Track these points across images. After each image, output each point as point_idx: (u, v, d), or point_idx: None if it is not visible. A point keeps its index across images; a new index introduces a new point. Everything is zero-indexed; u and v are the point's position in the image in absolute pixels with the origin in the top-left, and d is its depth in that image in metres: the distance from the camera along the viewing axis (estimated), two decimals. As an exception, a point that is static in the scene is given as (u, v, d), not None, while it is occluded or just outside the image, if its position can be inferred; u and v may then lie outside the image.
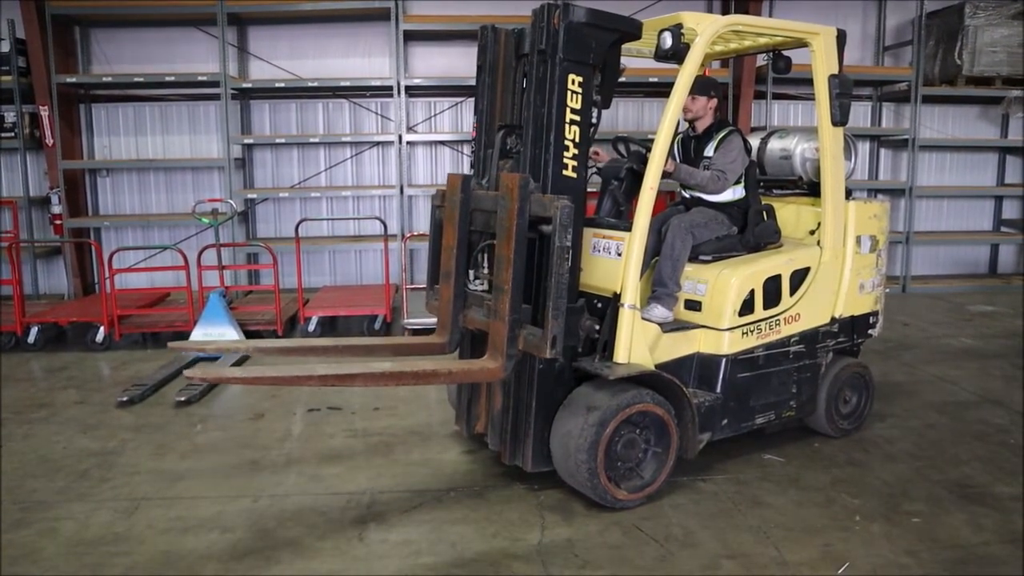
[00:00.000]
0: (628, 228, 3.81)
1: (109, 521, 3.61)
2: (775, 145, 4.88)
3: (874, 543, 3.43)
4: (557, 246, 3.40)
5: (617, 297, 3.76)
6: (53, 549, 3.37)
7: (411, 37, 8.87)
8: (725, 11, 9.04)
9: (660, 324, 4.00)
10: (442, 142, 9.35)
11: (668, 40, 3.71)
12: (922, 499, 3.85)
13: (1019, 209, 10.39)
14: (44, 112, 8.28)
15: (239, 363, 5.69)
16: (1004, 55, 9.01)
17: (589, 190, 3.90)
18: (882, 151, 10.12)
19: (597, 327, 3.72)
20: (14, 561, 3.27)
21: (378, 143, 9.28)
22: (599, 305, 3.91)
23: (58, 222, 8.54)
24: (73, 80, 8.45)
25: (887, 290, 4.91)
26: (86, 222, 8.87)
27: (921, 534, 3.50)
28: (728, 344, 4.05)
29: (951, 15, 9.08)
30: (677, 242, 4.10)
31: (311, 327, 7.00)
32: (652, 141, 3.82)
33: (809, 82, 4.37)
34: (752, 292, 4.11)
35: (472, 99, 8.51)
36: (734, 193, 4.40)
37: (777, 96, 9.35)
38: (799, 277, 4.32)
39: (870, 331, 4.67)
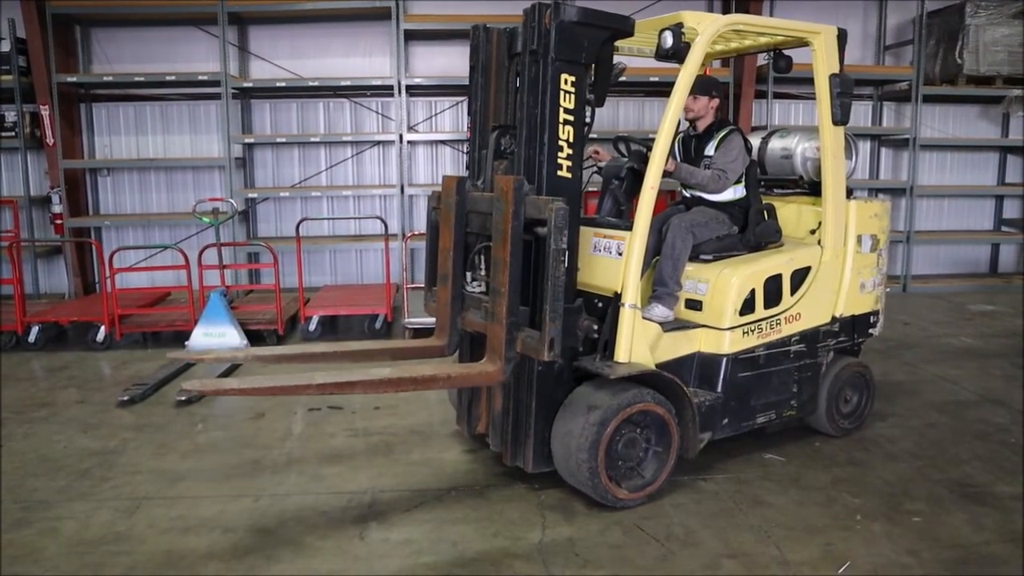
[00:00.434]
0: (629, 227, 3.80)
1: (110, 520, 3.62)
2: (776, 144, 4.87)
3: (875, 542, 3.43)
4: (552, 248, 3.38)
5: (618, 296, 3.76)
6: (54, 548, 3.37)
7: (412, 36, 8.87)
8: (726, 10, 9.04)
9: (661, 323, 4.00)
10: (443, 141, 9.35)
11: (669, 39, 3.71)
12: (923, 498, 3.85)
13: (1020, 209, 10.38)
14: (45, 111, 8.28)
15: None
16: (1005, 54, 9.00)
17: (590, 189, 3.91)
18: (883, 150, 10.11)
19: (595, 327, 3.71)
20: (15, 560, 3.27)
21: (379, 142, 9.29)
22: (600, 304, 3.91)
23: (59, 221, 8.54)
24: (74, 79, 8.45)
25: (888, 289, 4.91)
26: (87, 221, 8.87)
27: (922, 533, 3.50)
28: (729, 343, 4.05)
29: (952, 14, 9.08)
30: (678, 241, 4.10)
31: (312, 326, 7.00)
32: (653, 140, 3.82)
33: (810, 81, 4.37)
34: (753, 291, 4.11)
35: (473, 98, 8.51)
36: (735, 192, 4.40)
37: (778, 95, 9.34)
38: (800, 276, 4.32)
39: (871, 330, 4.67)
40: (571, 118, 3.57)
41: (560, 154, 3.58)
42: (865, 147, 9.91)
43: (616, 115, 9.50)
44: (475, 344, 4.03)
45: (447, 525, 3.57)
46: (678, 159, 4.45)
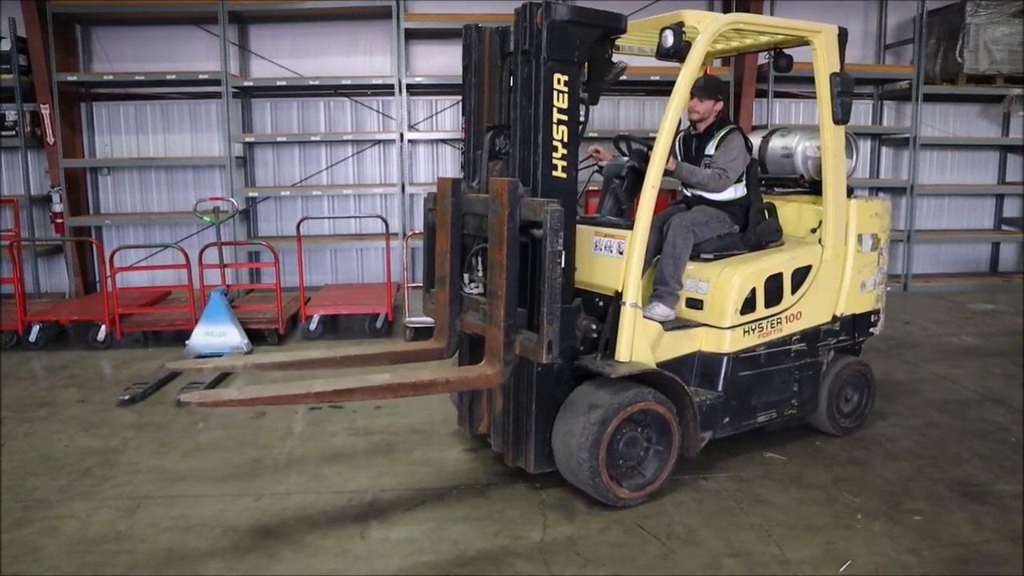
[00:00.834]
0: (630, 226, 3.80)
1: (111, 519, 3.62)
2: (776, 143, 4.87)
3: (876, 541, 3.43)
4: (548, 251, 3.37)
5: (619, 295, 3.76)
6: (55, 548, 3.37)
7: (412, 35, 8.87)
8: (726, 9, 9.04)
9: (662, 322, 4.00)
10: (443, 140, 9.35)
11: (670, 38, 3.71)
12: (923, 497, 3.85)
13: (1020, 207, 10.38)
14: (45, 110, 8.29)
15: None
16: (1005, 53, 8.99)
17: (591, 188, 3.89)
18: (883, 149, 10.11)
19: (594, 327, 3.70)
20: (16, 559, 3.27)
21: (379, 141, 9.28)
22: (600, 303, 3.90)
23: (59, 220, 8.54)
24: (74, 78, 8.46)
25: (888, 288, 4.91)
26: (87, 220, 8.87)
27: (923, 532, 3.50)
28: (730, 342, 4.05)
29: (952, 13, 9.07)
30: (679, 240, 4.10)
31: (312, 325, 7.00)
32: (653, 139, 3.81)
33: (810, 80, 4.37)
34: (753, 290, 4.11)
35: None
36: (735, 191, 4.39)
37: (778, 94, 9.34)
38: (800, 275, 4.32)
39: (871, 329, 4.67)
40: (565, 118, 3.55)
41: (555, 154, 3.56)
42: (866, 146, 9.91)
43: (617, 114, 9.51)
44: (474, 345, 4.02)
45: (448, 524, 3.58)
46: (679, 158, 4.44)
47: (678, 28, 3.72)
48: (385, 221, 7.56)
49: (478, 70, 3.92)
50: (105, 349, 6.68)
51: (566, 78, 3.52)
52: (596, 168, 4.78)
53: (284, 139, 9.06)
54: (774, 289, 4.20)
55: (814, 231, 4.57)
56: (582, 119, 3.71)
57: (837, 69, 4.29)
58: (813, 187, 4.70)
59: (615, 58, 3.97)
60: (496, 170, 3.83)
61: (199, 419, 4.97)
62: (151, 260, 8.44)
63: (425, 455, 4.38)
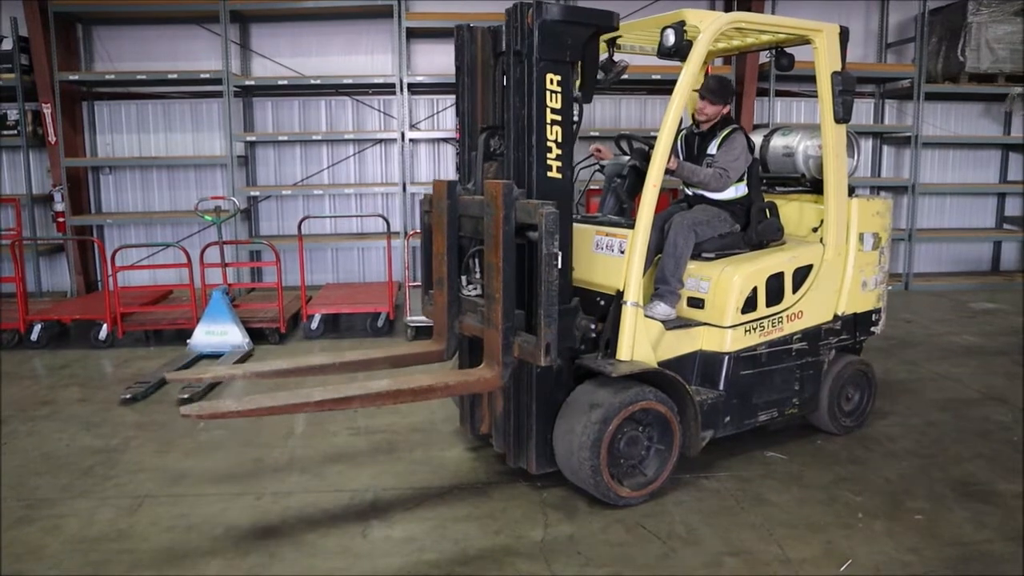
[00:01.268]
0: (631, 226, 3.80)
1: (113, 518, 3.62)
2: (778, 142, 4.87)
3: (876, 540, 3.43)
4: (544, 253, 3.35)
5: (620, 294, 3.76)
6: (57, 546, 3.38)
7: (413, 34, 8.87)
8: (728, 8, 9.03)
9: (663, 321, 4.00)
10: (445, 139, 9.34)
11: (671, 37, 3.70)
12: (924, 496, 3.85)
13: (1021, 206, 10.36)
14: (47, 110, 8.29)
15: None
16: (1007, 52, 8.98)
17: (592, 187, 3.88)
18: (885, 148, 10.10)
19: (593, 326, 3.70)
20: (18, 558, 3.28)
21: (381, 140, 9.29)
22: (602, 302, 3.91)
23: (61, 220, 8.55)
24: (76, 78, 8.47)
25: (889, 287, 4.91)
26: (89, 220, 8.88)
27: (923, 531, 3.50)
28: (731, 341, 4.05)
29: (954, 12, 9.06)
30: (680, 240, 4.10)
31: (314, 325, 7.01)
32: (655, 139, 3.81)
33: (812, 79, 4.36)
34: (755, 289, 4.11)
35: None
36: (737, 191, 4.39)
37: (780, 93, 9.34)
38: (802, 274, 4.32)
39: (873, 328, 4.67)
40: (559, 118, 3.54)
41: (549, 155, 3.55)
42: (867, 145, 9.90)
43: (618, 113, 9.50)
44: (474, 347, 4.02)
45: (449, 523, 3.58)
46: (680, 157, 4.44)
47: (679, 27, 3.71)
48: (386, 220, 7.57)
49: (471, 71, 3.91)
50: (106, 348, 6.69)
51: (559, 78, 3.51)
52: (597, 167, 4.77)
53: (285, 138, 9.07)
54: (775, 288, 4.20)
55: (815, 230, 4.57)
56: (575, 118, 3.69)
57: (839, 68, 4.29)
58: (814, 186, 4.69)
59: (616, 57, 3.96)
60: (491, 171, 3.81)
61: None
62: (152, 259, 8.45)
63: (426, 454, 4.38)
